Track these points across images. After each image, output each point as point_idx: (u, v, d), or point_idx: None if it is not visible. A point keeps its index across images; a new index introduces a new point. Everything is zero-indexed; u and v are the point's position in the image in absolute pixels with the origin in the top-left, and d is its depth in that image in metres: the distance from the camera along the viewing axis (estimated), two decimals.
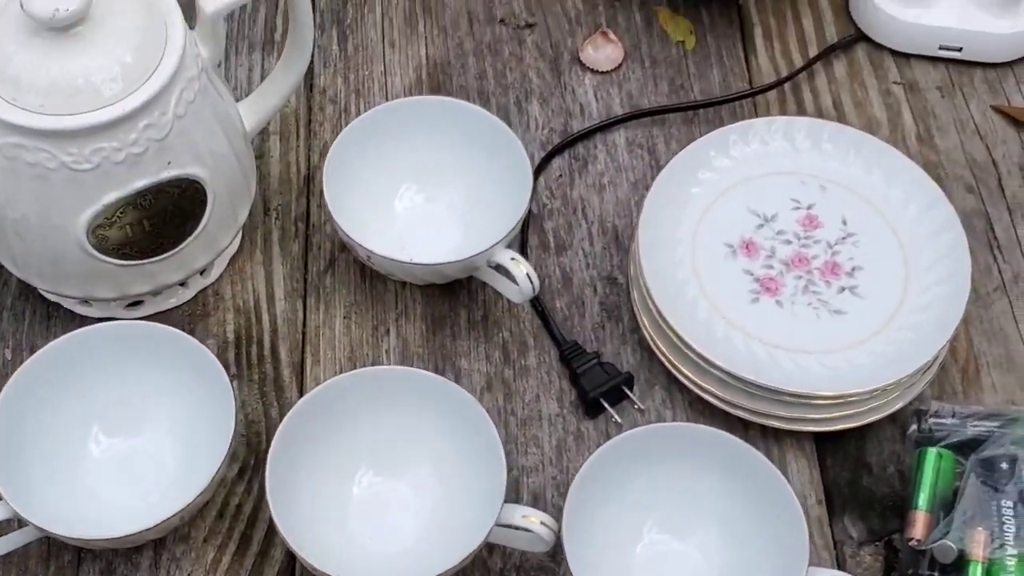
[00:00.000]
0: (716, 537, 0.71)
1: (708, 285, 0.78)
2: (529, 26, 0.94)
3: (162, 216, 0.73)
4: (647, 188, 0.85)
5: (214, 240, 0.77)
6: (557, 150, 0.88)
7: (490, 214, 0.81)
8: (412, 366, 0.78)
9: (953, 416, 0.74)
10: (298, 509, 0.69)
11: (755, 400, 0.75)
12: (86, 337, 0.73)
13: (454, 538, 0.69)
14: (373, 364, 0.79)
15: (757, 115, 0.90)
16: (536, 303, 0.81)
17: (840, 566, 0.72)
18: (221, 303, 0.81)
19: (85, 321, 0.79)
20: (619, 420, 0.77)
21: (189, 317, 0.80)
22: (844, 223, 0.80)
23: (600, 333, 0.81)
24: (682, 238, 0.80)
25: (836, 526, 0.74)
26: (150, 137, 0.69)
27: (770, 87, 0.90)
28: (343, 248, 0.83)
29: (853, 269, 0.79)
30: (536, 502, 0.74)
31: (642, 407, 0.77)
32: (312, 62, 0.91)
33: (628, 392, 0.77)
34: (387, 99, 0.90)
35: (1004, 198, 0.86)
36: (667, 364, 0.77)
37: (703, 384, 0.76)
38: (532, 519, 0.68)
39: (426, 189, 0.84)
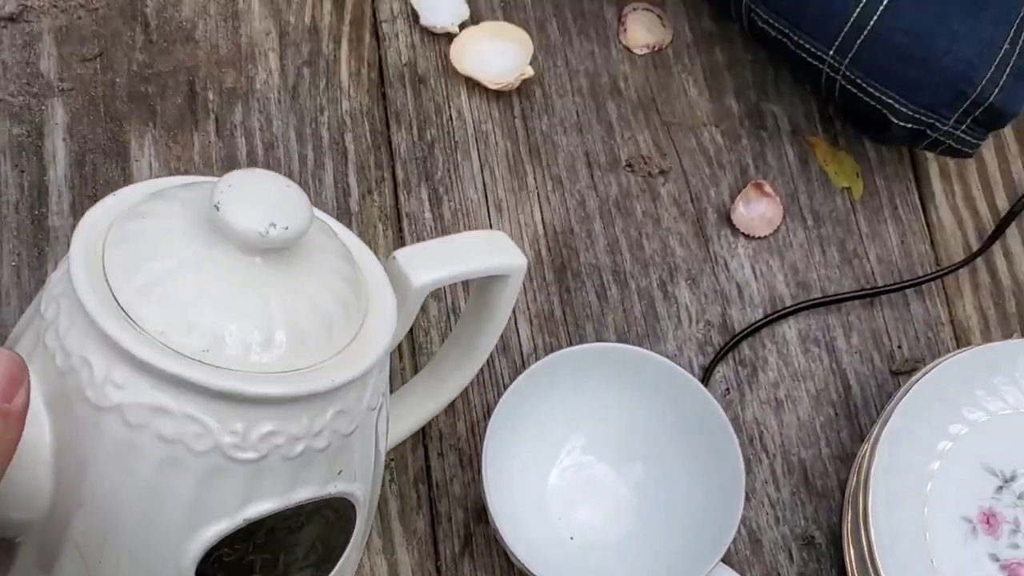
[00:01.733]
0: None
1: None
2: (663, 172, 0.75)
3: (299, 554, 0.53)
4: (832, 405, 0.71)
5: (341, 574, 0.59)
6: (721, 356, 0.71)
7: (682, 500, 0.65)
8: None
9: None
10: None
11: None
12: None
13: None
14: None
15: (947, 294, 0.74)
16: None
17: None
18: None
19: None
20: None
21: None
22: None
23: None
24: (912, 514, 0.65)
25: None
26: (336, 430, 0.49)
27: (961, 265, 0.74)
28: (480, 518, 0.66)
29: None
30: None
31: None
32: (402, 234, 0.72)
33: None
34: None
35: None
36: None
37: None
38: None
39: (593, 450, 0.67)
